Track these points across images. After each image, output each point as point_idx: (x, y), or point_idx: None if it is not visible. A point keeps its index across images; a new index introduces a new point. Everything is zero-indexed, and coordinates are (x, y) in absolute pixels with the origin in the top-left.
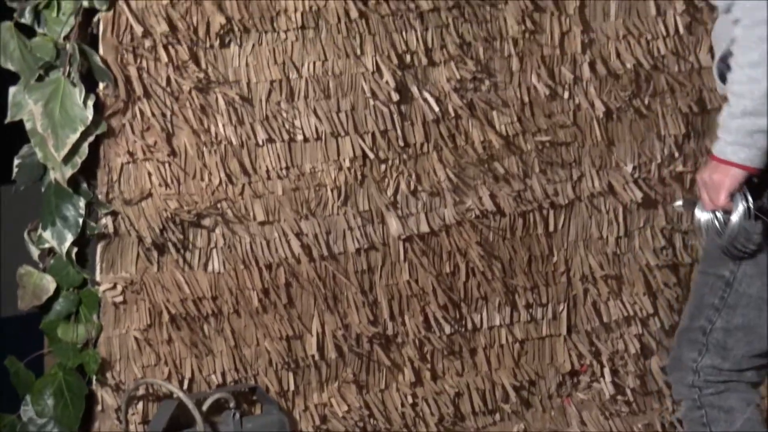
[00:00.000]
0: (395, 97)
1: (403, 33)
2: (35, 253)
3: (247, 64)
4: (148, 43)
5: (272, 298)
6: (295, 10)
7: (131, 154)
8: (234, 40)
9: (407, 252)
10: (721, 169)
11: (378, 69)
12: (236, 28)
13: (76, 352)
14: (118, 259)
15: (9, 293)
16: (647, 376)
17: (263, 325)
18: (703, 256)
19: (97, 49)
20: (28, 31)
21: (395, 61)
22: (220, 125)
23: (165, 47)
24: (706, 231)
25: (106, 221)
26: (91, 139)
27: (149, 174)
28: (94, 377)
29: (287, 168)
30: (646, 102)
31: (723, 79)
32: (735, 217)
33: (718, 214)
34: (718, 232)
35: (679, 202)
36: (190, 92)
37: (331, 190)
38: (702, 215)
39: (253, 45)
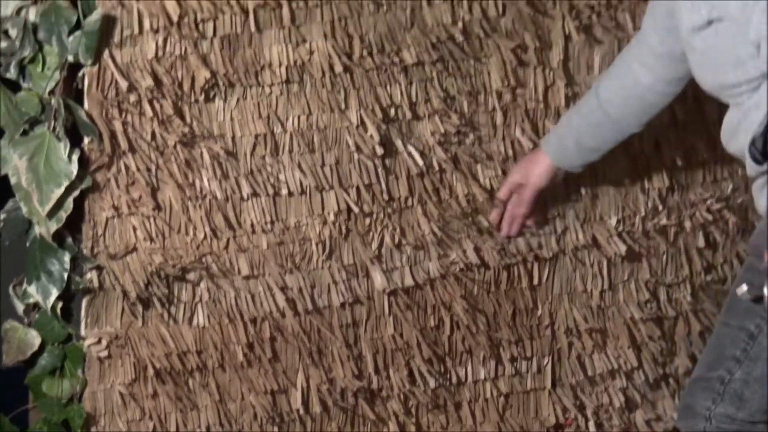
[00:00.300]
0: (379, 151)
1: (388, 87)
2: (20, 308)
3: (231, 119)
4: (133, 97)
5: (257, 352)
6: (280, 65)
7: (116, 208)
8: (219, 95)
9: (392, 306)
10: None
11: (362, 123)
12: (221, 83)
13: (61, 407)
14: (103, 314)
15: None
16: (632, 429)
17: (248, 379)
18: (726, 308)
19: (82, 104)
20: (13, 86)
21: (379, 115)
22: (205, 179)
23: (150, 102)
24: None
25: (91, 276)
26: (75, 193)
27: (134, 228)
28: None
29: (272, 222)
30: (630, 155)
31: (756, 160)
32: None
33: None
34: None
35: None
36: (175, 147)
37: (316, 244)
38: None
39: (238, 99)
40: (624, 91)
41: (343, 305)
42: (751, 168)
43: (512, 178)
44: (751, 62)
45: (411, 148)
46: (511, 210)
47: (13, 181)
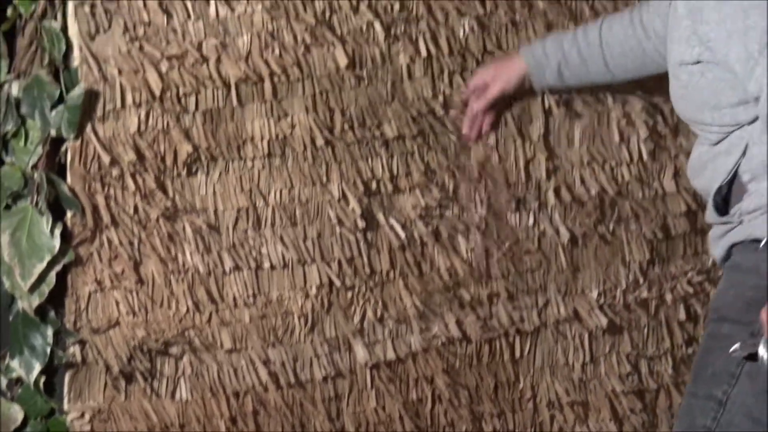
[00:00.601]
0: (361, 224)
1: (369, 160)
2: (3, 382)
3: (214, 192)
4: (115, 171)
5: (240, 426)
6: (262, 138)
7: (99, 282)
8: (201, 169)
9: (374, 379)
10: None
11: (344, 196)
12: (203, 157)
13: None
14: (86, 388)
15: None
16: None
17: None
18: (693, 377)
19: (64, 178)
20: None
21: (361, 188)
22: (188, 253)
23: (132, 176)
24: None
25: (74, 350)
26: (58, 268)
27: (117, 302)
28: None
29: (254, 296)
30: (611, 228)
31: (718, 209)
32: None
33: None
34: None
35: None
36: (157, 220)
37: (298, 318)
38: (767, 353)
39: (220, 173)
40: (627, 41)
41: (325, 379)
42: (711, 214)
43: (481, 77)
44: (729, 110)
45: (393, 222)
46: (471, 106)
47: None
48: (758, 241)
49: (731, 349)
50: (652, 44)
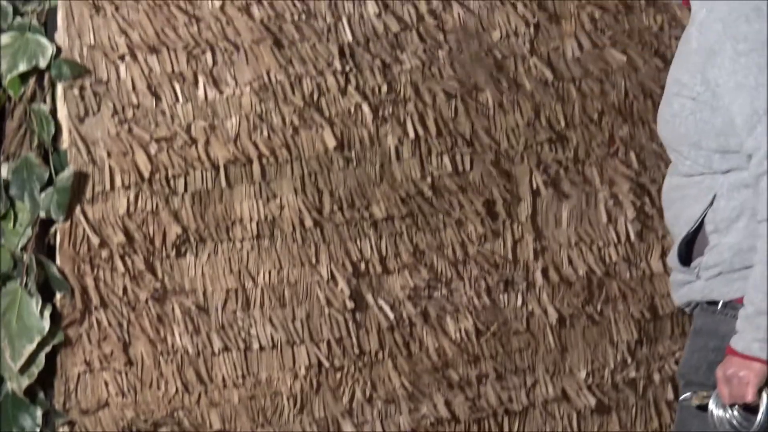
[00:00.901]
0: (350, 305)
1: (358, 241)
2: None
3: (203, 274)
4: (104, 253)
5: None
6: (251, 220)
7: (88, 363)
8: (190, 250)
9: None
10: (748, 366)
11: (333, 277)
12: (192, 238)
13: None
14: None
15: None
16: None
17: None
18: None
19: (54, 260)
20: None
21: (350, 269)
22: (177, 334)
23: (122, 257)
24: (720, 425)
25: (63, 431)
26: (47, 349)
27: (106, 383)
28: None
29: (243, 376)
30: (599, 308)
31: (681, 259)
32: (763, 412)
33: (735, 411)
34: (736, 428)
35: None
36: (146, 302)
37: (287, 399)
38: (717, 410)
39: (209, 254)
40: None
41: None
42: (673, 260)
43: None
44: (706, 152)
45: (381, 302)
46: None
47: None
48: (715, 303)
49: (682, 397)
50: None
